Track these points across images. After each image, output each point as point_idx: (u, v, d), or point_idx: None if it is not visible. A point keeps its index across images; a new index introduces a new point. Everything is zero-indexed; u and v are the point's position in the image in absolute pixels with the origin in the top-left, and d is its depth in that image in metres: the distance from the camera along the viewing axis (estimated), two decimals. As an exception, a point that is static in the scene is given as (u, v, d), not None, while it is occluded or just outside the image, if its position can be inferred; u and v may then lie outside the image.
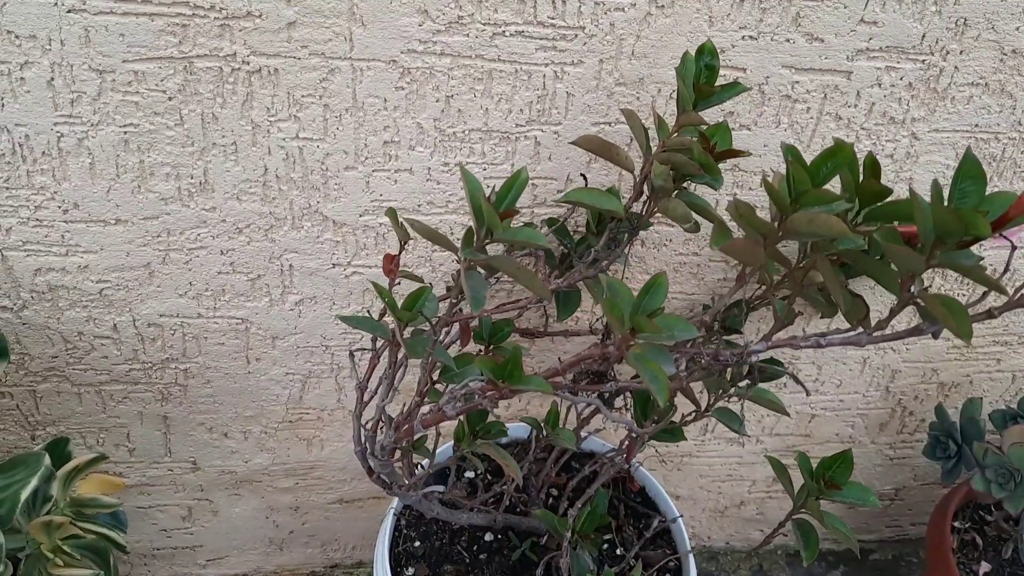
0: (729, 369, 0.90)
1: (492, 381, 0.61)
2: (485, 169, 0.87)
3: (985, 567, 1.11)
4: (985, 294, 0.60)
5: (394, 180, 0.86)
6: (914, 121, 0.89)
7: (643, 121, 0.77)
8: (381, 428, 0.73)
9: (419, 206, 0.89)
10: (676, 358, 0.73)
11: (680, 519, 1.00)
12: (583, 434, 0.97)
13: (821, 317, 1.07)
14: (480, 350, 0.84)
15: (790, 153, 0.61)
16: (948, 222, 0.54)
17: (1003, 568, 1.11)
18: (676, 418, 0.94)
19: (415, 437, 0.74)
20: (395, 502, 0.99)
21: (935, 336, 0.60)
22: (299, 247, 0.90)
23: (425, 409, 0.74)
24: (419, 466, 0.85)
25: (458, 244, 0.63)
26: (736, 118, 0.87)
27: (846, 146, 0.60)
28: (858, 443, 1.25)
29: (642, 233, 0.96)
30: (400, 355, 0.72)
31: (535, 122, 0.84)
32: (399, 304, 0.71)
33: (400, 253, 0.76)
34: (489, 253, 0.64)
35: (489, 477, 1.06)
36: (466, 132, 0.84)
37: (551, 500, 1.05)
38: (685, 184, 0.78)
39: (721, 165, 0.89)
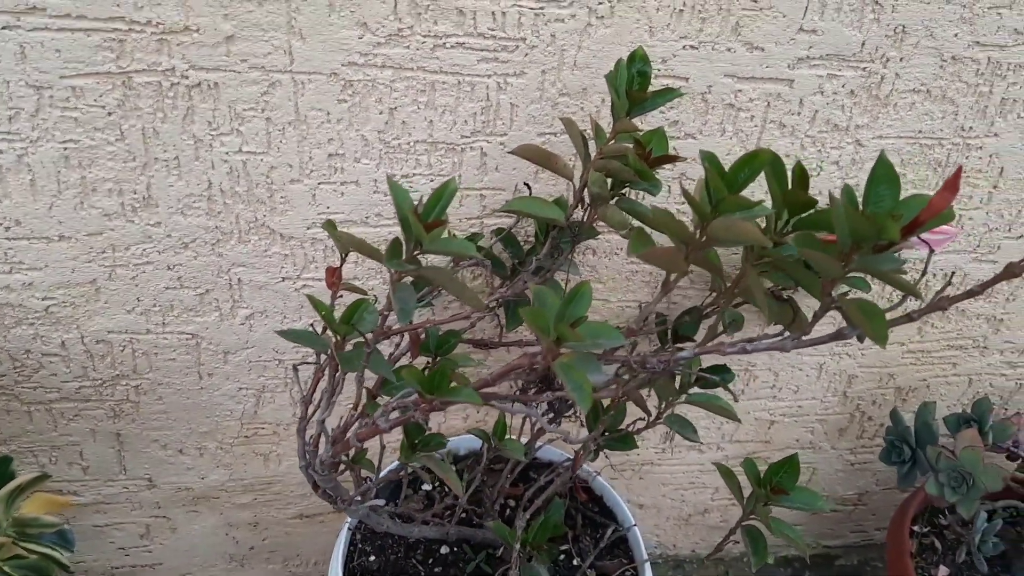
0: (678, 376, 0.90)
1: (421, 394, 0.61)
2: (432, 180, 0.87)
3: (943, 571, 1.12)
4: (904, 298, 0.60)
5: (340, 192, 0.86)
6: (858, 128, 0.90)
7: (583, 130, 0.78)
8: (322, 443, 0.73)
9: (367, 218, 0.88)
10: (613, 366, 0.73)
11: (636, 528, 1.00)
12: (540, 443, 0.97)
13: (770, 324, 1.08)
14: (428, 362, 0.84)
15: (707, 160, 0.62)
16: (861, 227, 0.54)
17: (961, 572, 1.12)
18: (630, 426, 0.94)
19: (352, 451, 0.73)
20: (350, 518, 0.99)
21: (860, 340, 0.61)
22: (247, 261, 0.90)
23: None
24: (367, 479, 0.84)
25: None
26: (681, 127, 0.88)
27: (762, 153, 0.61)
28: (818, 448, 1.25)
29: (593, 242, 0.96)
30: (340, 369, 0.72)
31: (480, 133, 0.85)
32: (338, 317, 0.71)
33: (342, 266, 0.76)
34: (424, 264, 0.64)
35: (445, 489, 1.06)
36: (411, 144, 0.84)
37: (508, 511, 1.05)
38: (624, 191, 0.78)
39: (668, 172, 0.90)
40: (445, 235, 0.64)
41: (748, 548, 0.85)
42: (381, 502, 0.78)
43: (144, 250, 0.87)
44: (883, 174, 0.56)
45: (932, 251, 0.61)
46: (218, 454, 1.08)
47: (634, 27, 0.80)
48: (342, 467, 0.77)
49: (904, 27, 0.84)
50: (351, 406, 0.72)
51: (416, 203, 0.63)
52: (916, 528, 1.16)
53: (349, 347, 0.74)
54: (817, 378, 1.15)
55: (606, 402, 0.94)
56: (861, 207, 0.58)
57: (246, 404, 1.03)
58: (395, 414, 0.67)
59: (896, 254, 0.72)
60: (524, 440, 1.01)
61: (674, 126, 0.87)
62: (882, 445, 1.15)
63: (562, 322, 0.57)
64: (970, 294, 0.59)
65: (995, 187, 0.97)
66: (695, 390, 0.91)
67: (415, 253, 0.63)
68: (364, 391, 0.75)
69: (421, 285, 0.84)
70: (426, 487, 1.07)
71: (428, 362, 0.84)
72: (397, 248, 0.61)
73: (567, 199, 0.87)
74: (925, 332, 1.11)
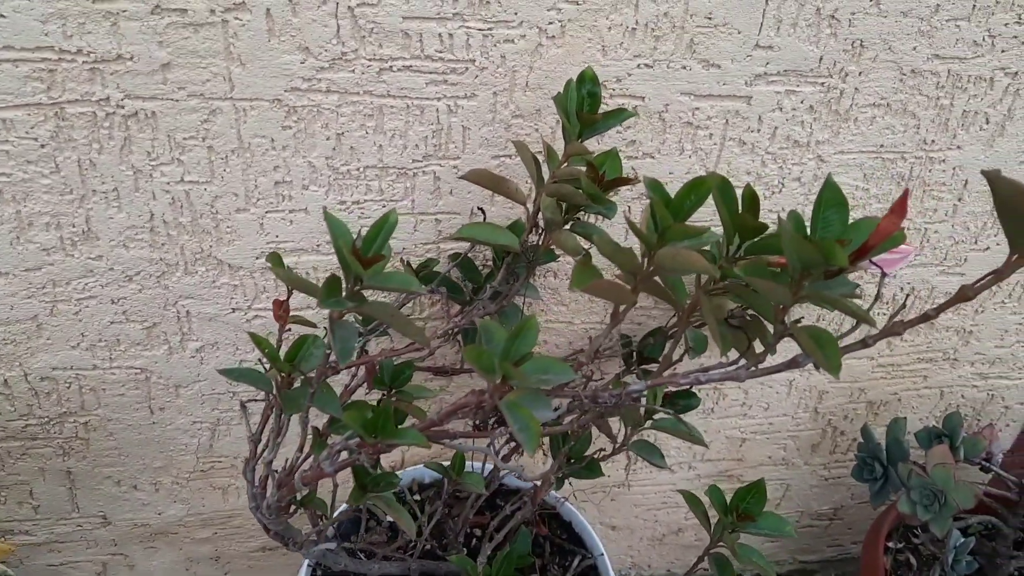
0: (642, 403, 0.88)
1: (363, 437, 0.58)
2: (384, 206, 0.85)
3: (919, 587, 1.10)
4: (857, 324, 0.58)
5: (289, 221, 0.84)
6: (819, 144, 0.88)
7: (536, 152, 0.75)
8: (270, 484, 0.70)
9: (318, 246, 0.86)
10: (565, 401, 0.71)
11: (604, 556, 0.98)
12: (504, 472, 0.95)
13: (724, 354, 1.06)
14: (382, 395, 0.81)
15: (652, 188, 0.60)
16: (808, 253, 0.52)
17: (937, 588, 1.10)
18: (596, 453, 0.92)
19: (298, 494, 0.70)
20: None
21: (817, 367, 0.59)
22: (195, 293, 0.87)
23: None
24: (322, 518, 0.82)
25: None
26: (639, 146, 0.86)
27: (708, 179, 0.58)
28: (791, 465, 1.24)
29: (554, 264, 0.94)
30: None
31: (432, 157, 0.82)
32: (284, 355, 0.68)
33: (288, 298, 0.73)
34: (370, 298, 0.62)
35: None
36: (361, 169, 0.81)
37: (474, 541, 1.02)
38: (579, 215, 0.76)
39: (627, 194, 0.88)
40: (389, 268, 0.61)
41: (716, 577, 0.83)
42: (333, 545, 0.75)
43: (86, 284, 0.84)
44: (830, 198, 0.54)
45: (885, 274, 0.60)
46: (174, 489, 1.04)
47: (586, 47, 0.78)
48: (293, 508, 0.74)
49: (862, 41, 0.82)
50: (298, 447, 0.69)
51: (356, 236, 0.60)
52: (891, 544, 1.15)
53: (298, 383, 0.71)
54: (787, 395, 1.13)
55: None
56: (809, 232, 0.56)
57: (201, 438, 1.00)
58: (344, 455, 0.64)
59: (853, 276, 0.70)
60: (490, 466, 0.99)
61: (632, 146, 0.85)
62: (855, 460, 1.13)
63: (507, 360, 0.55)
64: (925, 318, 0.57)
65: (959, 199, 0.95)
66: (660, 415, 0.89)
67: (356, 288, 0.60)
68: (312, 430, 0.73)
69: (368, 320, 0.81)
70: (389, 519, 1.04)
71: (382, 395, 0.81)
72: (335, 286, 0.59)
73: (524, 223, 0.85)
74: (895, 346, 1.10)
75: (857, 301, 0.60)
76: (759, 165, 0.89)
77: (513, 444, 0.95)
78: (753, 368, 0.64)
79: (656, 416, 0.89)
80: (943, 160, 0.92)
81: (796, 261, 0.54)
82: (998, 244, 1.01)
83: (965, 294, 0.56)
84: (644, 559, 1.34)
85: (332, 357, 0.71)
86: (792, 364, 0.62)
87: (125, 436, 0.97)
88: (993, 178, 0.47)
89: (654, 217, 0.58)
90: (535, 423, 0.54)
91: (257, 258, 0.85)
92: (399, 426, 0.63)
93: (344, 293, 0.59)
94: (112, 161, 0.76)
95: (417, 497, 1.06)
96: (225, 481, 1.05)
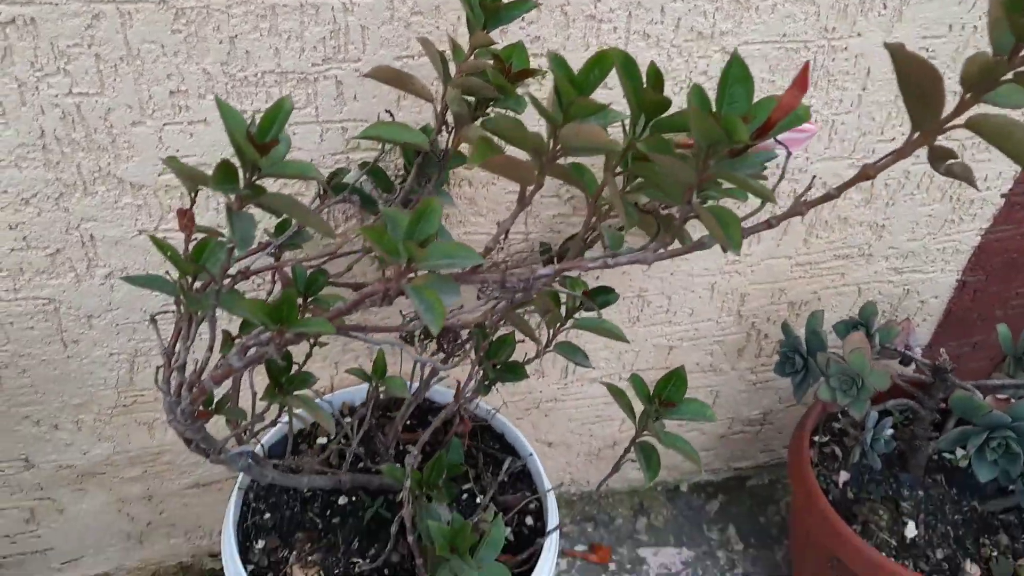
0: (563, 304, 0.89)
1: (267, 325, 0.57)
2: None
3: (844, 476, 1.14)
4: (762, 204, 0.59)
5: (189, 133, 0.81)
6: (723, 35, 0.89)
7: (442, 51, 0.74)
8: (183, 392, 0.69)
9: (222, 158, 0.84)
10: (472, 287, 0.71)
11: (534, 456, 0.99)
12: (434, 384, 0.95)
13: (629, 229, 1.07)
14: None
15: (555, 62, 0.59)
16: (710, 130, 0.52)
17: (862, 473, 1.14)
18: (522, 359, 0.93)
19: (213, 397, 0.69)
20: (240, 477, 0.95)
21: (724, 250, 0.59)
22: (97, 215, 0.84)
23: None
24: (247, 431, 0.81)
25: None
26: (544, 43, 0.85)
27: (610, 52, 0.58)
28: (719, 371, 1.26)
29: (469, 173, 0.94)
30: (191, 312, 0.68)
31: (332, 60, 0.81)
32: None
33: (192, 206, 0.71)
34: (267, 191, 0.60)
35: (340, 439, 1.03)
36: (258, 75, 0.79)
37: (406, 457, 1.02)
38: (488, 112, 0.76)
39: (538, 93, 0.88)
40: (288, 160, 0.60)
41: (642, 464, 0.84)
42: (252, 447, 0.74)
43: (-20, 210, 0.81)
44: (736, 73, 0.53)
45: (790, 153, 0.60)
46: (97, 427, 1.02)
47: (482, -63, 0.77)
48: (210, 415, 0.73)
49: (758, -75, 0.83)
50: (207, 347, 0.68)
51: (250, 122, 0.59)
52: (816, 439, 1.18)
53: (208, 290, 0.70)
54: (710, 298, 1.15)
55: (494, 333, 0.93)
56: (715, 109, 0.56)
57: (119, 371, 0.98)
58: (252, 352, 0.63)
59: (759, 156, 0.71)
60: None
61: (536, 42, 0.84)
62: (778, 356, 1.16)
63: (410, 240, 0.54)
64: (826, 197, 0.58)
65: (864, 88, 0.97)
66: (582, 315, 0.90)
67: (253, 179, 0.59)
68: (223, 333, 0.72)
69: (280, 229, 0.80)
70: (321, 441, 1.03)
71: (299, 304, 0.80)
72: (229, 171, 0.57)
73: (432, 127, 0.84)
74: (811, 243, 1.12)
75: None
76: (666, 59, 0.89)
77: (441, 356, 0.95)
78: (660, 251, 0.64)
79: (576, 316, 0.90)
80: (845, 48, 0.93)
81: (700, 138, 0.54)
82: (902, 135, 1.03)
83: (867, 172, 0.57)
84: (582, 475, 1.36)
85: (241, 264, 0.69)
86: (698, 245, 0.62)
87: (39, 372, 0.95)
88: (895, 51, 0.47)
89: (558, 95, 0.58)
90: (439, 303, 0.54)
91: (160, 175, 0.83)
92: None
93: (241, 184, 0.57)
94: (-7, 73, 0.73)
95: (348, 420, 1.05)
96: (150, 416, 1.04)
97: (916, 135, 0.52)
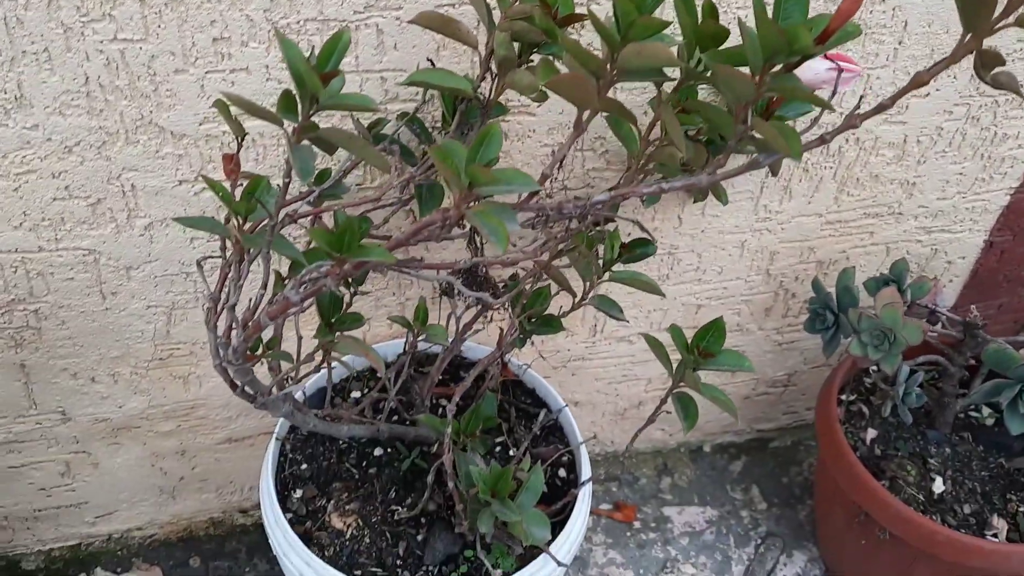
0: (600, 252, 0.89)
1: (329, 253, 0.58)
2: (329, 65, 0.83)
3: (872, 433, 1.14)
4: (815, 120, 0.59)
5: (231, 82, 0.81)
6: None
7: (485, -2, 0.74)
8: (234, 331, 0.70)
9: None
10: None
11: (567, 409, 1.00)
12: (465, 338, 0.95)
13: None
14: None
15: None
16: (773, 39, 0.53)
17: (889, 431, 1.14)
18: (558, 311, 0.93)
19: (264, 335, 0.70)
20: (278, 427, 0.96)
21: (773, 172, 0.60)
22: (138, 164, 0.84)
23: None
24: (288, 379, 0.81)
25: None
26: (585, -8, 0.85)
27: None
28: (746, 331, 1.27)
29: (505, 125, 0.94)
30: (245, 252, 0.68)
31: (374, 7, 0.80)
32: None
33: (239, 151, 0.72)
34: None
35: (376, 395, 1.04)
36: (300, 23, 0.79)
37: (441, 411, 1.03)
38: (532, 60, 0.76)
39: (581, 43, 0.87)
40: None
41: (679, 414, 0.85)
42: (299, 389, 0.75)
43: (24, 157, 0.81)
44: None
45: (841, 71, 0.60)
46: (133, 380, 1.03)
47: None
48: (259, 357, 0.73)
49: None
50: (262, 285, 0.69)
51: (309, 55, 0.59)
52: (843, 397, 1.19)
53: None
54: (740, 256, 1.15)
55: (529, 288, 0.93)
56: None
57: (157, 323, 0.98)
58: (305, 288, 0.64)
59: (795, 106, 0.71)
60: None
61: (577, -8, 0.84)
62: (808, 313, 1.16)
63: (473, 164, 0.55)
64: (880, 108, 0.58)
65: (900, 43, 0.96)
66: (619, 267, 0.90)
67: (311, 113, 0.59)
68: (273, 273, 0.72)
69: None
70: (355, 395, 1.04)
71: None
72: (291, 101, 0.57)
73: (472, 77, 0.84)
74: (842, 201, 1.12)
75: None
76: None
77: (476, 310, 0.96)
78: (714, 173, 0.64)
79: (614, 268, 0.90)
80: (883, 0, 0.93)
81: (759, 51, 0.55)
82: (938, 90, 1.03)
83: (920, 79, 0.57)
84: (607, 435, 1.37)
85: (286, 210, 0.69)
86: (753, 164, 0.63)
87: (78, 324, 0.95)
88: None
89: (617, 16, 0.58)
90: (503, 226, 0.54)
91: (200, 124, 0.83)
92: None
93: (300, 118, 0.58)
94: (40, 18, 0.73)
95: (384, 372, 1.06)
96: (185, 370, 1.04)
97: (968, 37, 0.52)
